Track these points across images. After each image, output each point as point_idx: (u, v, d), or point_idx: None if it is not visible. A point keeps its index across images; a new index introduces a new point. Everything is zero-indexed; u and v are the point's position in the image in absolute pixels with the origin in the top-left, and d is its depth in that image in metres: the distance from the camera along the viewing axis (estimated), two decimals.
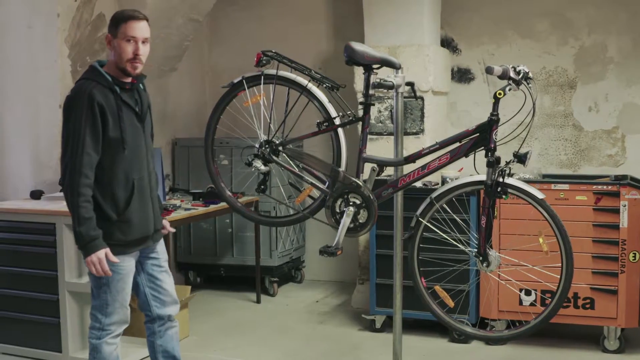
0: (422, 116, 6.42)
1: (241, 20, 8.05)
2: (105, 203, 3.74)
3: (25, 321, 5.20)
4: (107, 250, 3.67)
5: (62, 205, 5.15)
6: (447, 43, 7.14)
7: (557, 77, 6.84)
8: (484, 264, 3.81)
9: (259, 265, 7.07)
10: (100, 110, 3.65)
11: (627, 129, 6.70)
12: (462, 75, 7.19)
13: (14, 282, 5.24)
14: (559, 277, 3.73)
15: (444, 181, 5.80)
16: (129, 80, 3.83)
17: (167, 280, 4.10)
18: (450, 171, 5.65)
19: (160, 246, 4.10)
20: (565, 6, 6.83)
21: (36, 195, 5.60)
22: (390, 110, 6.45)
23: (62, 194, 5.30)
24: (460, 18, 7.13)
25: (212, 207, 6.23)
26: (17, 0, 5.91)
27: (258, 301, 7.06)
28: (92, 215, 3.64)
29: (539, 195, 3.68)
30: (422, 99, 6.35)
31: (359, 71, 6.47)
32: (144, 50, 3.80)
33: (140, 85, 3.95)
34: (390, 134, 6.44)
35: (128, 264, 3.86)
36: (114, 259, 3.69)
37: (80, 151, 3.60)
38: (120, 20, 3.76)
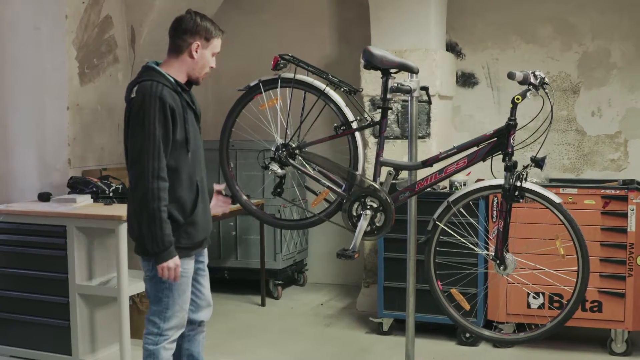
0: (429, 120, 6.45)
1: (244, 24, 8.05)
2: (172, 207, 3.67)
3: (35, 324, 5.19)
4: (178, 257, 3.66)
5: (72, 208, 5.18)
6: (451, 47, 7.17)
7: (560, 82, 6.88)
8: (501, 267, 3.84)
9: (264, 268, 7.08)
10: (171, 112, 3.62)
11: (630, 134, 6.75)
12: (466, 80, 7.22)
13: (24, 284, 5.22)
14: (574, 280, 3.77)
15: (452, 185, 5.83)
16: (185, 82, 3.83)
17: (206, 284, 4.11)
18: (458, 175, 5.67)
19: (205, 251, 4.10)
20: (569, 12, 6.88)
21: (44, 197, 5.58)
22: (397, 114, 6.47)
23: (71, 196, 5.38)
24: (464, 23, 7.17)
25: None
26: (24, 1, 5.91)
27: (263, 304, 7.06)
28: (169, 221, 3.61)
29: (556, 199, 3.72)
30: (428, 103, 6.36)
31: (365, 75, 6.50)
32: None
33: None
34: (397, 137, 6.46)
35: (189, 266, 3.83)
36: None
37: (157, 155, 3.56)
38: (215, 34, 3.80)
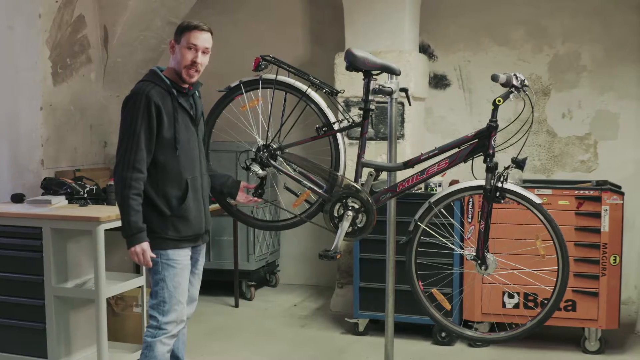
0: (403, 122, 6.48)
1: (216, 24, 7.84)
2: (158, 199, 3.85)
3: (10, 327, 5.09)
4: (148, 244, 3.79)
5: (48, 209, 5.11)
6: (424, 49, 7.22)
7: (531, 84, 6.93)
8: (482, 267, 3.87)
9: (237, 269, 7.06)
10: (156, 110, 3.77)
11: (599, 136, 6.87)
12: (438, 81, 7.28)
13: None
14: (553, 279, 3.82)
15: (427, 186, 5.87)
16: (186, 85, 3.95)
17: (196, 284, 4.24)
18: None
19: (203, 249, 4.23)
20: (541, 15, 6.98)
21: (17, 198, 5.50)
22: (371, 115, 6.46)
23: (45, 197, 5.32)
24: (437, 25, 7.22)
25: None
26: None
27: (236, 305, 7.05)
28: (140, 209, 3.76)
29: (537, 200, 3.76)
30: (402, 104, 6.39)
31: (339, 77, 6.53)
32: (202, 60, 3.93)
33: (196, 92, 4.06)
34: (371, 138, 6.48)
35: (183, 258, 3.95)
36: (152, 255, 3.80)
37: (135, 147, 3.74)
38: (185, 28, 3.90)
